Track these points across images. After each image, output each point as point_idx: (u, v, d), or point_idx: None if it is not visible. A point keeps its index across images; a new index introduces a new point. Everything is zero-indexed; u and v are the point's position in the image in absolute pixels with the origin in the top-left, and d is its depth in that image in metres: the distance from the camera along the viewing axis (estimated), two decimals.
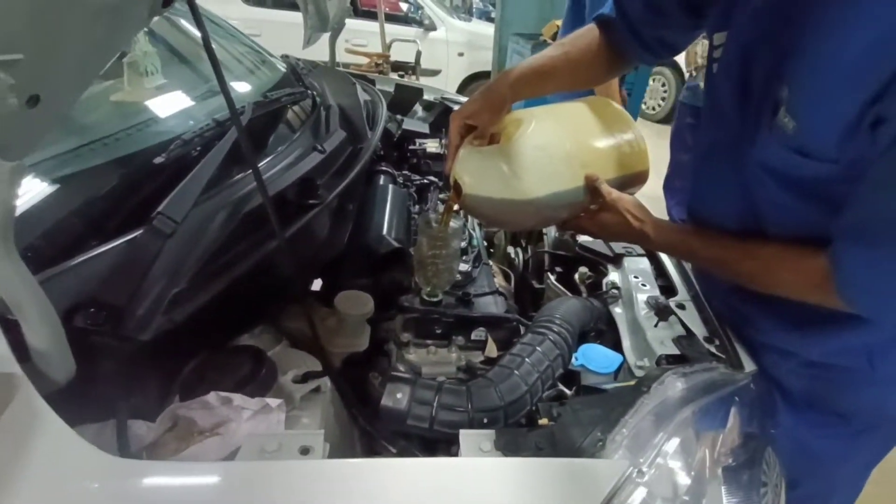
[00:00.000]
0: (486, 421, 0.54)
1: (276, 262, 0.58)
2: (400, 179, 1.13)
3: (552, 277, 1.08)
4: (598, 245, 1.03)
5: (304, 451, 0.38)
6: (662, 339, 0.73)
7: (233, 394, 0.45)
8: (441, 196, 1.22)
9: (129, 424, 0.43)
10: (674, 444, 0.46)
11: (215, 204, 0.58)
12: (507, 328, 0.82)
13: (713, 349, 0.70)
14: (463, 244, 0.98)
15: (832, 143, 0.46)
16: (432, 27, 4.35)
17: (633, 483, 0.40)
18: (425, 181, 1.20)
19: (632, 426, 0.47)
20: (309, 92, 1.09)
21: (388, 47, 2.99)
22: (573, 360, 0.67)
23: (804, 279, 0.54)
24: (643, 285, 0.87)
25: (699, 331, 0.74)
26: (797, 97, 0.48)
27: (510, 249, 1.44)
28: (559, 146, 0.70)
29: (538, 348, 0.64)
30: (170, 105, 0.85)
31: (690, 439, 0.49)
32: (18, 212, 0.34)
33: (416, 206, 1.13)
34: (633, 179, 0.77)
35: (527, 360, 0.62)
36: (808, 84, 0.47)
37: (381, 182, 1.03)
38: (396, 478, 0.37)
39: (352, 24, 4.29)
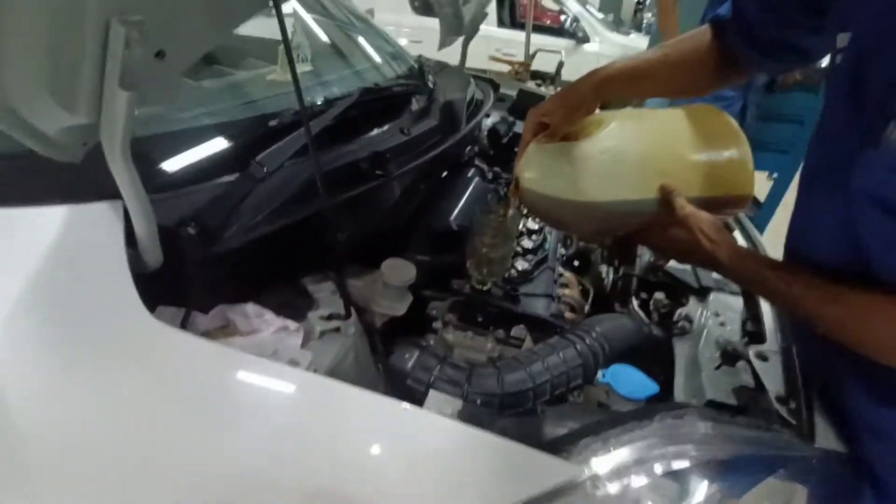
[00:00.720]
0: (479, 402, 0.55)
1: (332, 219, 0.66)
2: (489, 175, 1.16)
3: (635, 303, 1.00)
4: (686, 273, 0.93)
5: (293, 363, 0.45)
6: (721, 385, 0.63)
7: (266, 309, 0.54)
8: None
9: (193, 315, 0.55)
10: (660, 474, 0.41)
11: (301, 163, 0.69)
12: (549, 332, 0.79)
13: (783, 412, 0.59)
14: (531, 244, 0.97)
15: None
16: (586, 39, 4.25)
17: (582, 491, 0.37)
18: (511, 179, 1.21)
19: (615, 443, 0.43)
20: (425, 87, 1.19)
21: (531, 57, 3.02)
22: (599, 376, 0.63)
23: None
24: (722, 324, 0.76)
25: (774, 388, 0.63)
26: None
27: (602, 268, 1.37)
28: (632, 149, 0.65)
29: (560, 352, 0.61)
30: (305, 85, 1.03)
31: (689, 481, 0.43)
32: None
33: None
34: (725, 202, 0.68)
35: (542, 359, 0.60)
36: None
37: (470, 174, 1.08)
38: (352, 402, 0.42)
39: (505, 34, 4.50)
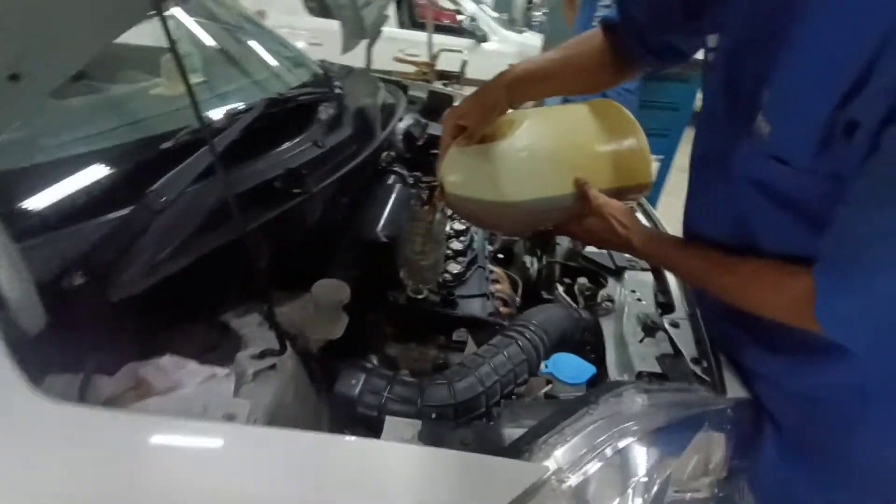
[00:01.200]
0: (434, 416, 0.54)
1: (250, 246, 0.61)
2: (410, 180, 1.15)
3: (560, 289, 1.06)
4: (602, 256, 1.00)
5: (229, 418, 0.41)
6: (646, 356, 0.69)
7: (186, 359, 0.48)
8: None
9: (94, 379, 0.47)
10: (610, 455, 0.44)
11: (206, 187, 0.62)
12: (489, 331, 0.81)
13: (698, 371, 0.66)
14: (461, 245, 0.99)
15: (806, 148, 0.43)
16: (484, 38, 4.41)
17: (549, 488, 0.39)
18: (436, 183, 1.22)
19: (570, 433, 0.45)
20: (333, 93, 1.15)
21: (435, 57, 3.06)
22: (542, 367, 0.66)
23: (785, 299, 0.50)
24: (639, 300, 0.83)
25: (688, 351, 0.70)
26: (773, 99, 0.45)
27: (526, 258, 1.43)
28: (546, 148, 0.69)
29: (503, 351, 0.63)
30: (199, 99, 0.94)
31: (635, 455, 0.46)
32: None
33: (426, 208, 1.16)
34: (630, 190, 0.75)
35: (489, 361, 0.61)
36: (782, 85, 0.44)
37: (390, 182, 1.06)
38: (304, 449, 0.39)
39: (407, 34, 4.51)
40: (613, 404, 0.51)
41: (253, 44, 1.26)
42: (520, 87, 0.71)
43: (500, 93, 0.69)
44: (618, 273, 0.94)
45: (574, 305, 0.97)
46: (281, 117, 0.86)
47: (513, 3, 6.33)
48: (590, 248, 1.03)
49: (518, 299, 1.09)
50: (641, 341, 0.72)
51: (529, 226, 0.87)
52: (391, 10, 4.11)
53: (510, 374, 0.61)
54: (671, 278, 0.90)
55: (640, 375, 0.66)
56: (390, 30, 4.37)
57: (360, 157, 0.85)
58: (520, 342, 0.65)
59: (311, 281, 0.71)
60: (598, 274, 0.96)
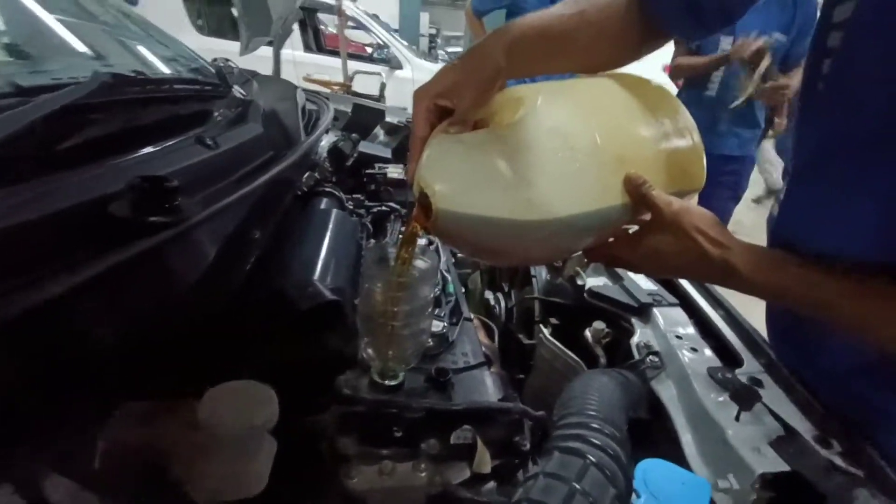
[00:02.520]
0: None
1: (75, 322, 0.28)
2: (350, 204, 0.85)
3: (546, 331, 0.82)
4: (614, 291, 0.78)
5: None
6: (755, 443, 0.46)
7: None
8: (402, 229, 0.95)
9: None
10: None
11: None
12: (505, 423, 0.52)
13: (837, 459, 0.44)
14: (435, 290, 0.70)
15: None
16: (398, 66, 4.27)
17: None
18: (384, 208, 0.93)
19: None
20: (229, 91, 0.81)
21: (351, 78, 2.80)
22: (634, 498, 0.39)
23: None
24: (692, 349, 0.61)
25: (800, 425, 0.48)
26: None
27: (489, 295, 1.18)
28: (584, 134, 0.44)
29: (579, 487, 0.35)
30: None
31: None
32: None
33: (371, 241, 0.85)
34: (686, 186, 0.53)
35: None
36: None
37: (323, 206, 0.74)
38: None
39: (315, 59, 4.20)
40: None
41: (109, 29, 0.89)
42: (525, 51, 0.47)
43: (498, 56, 0.45)
44: (642, 312, 0.72)
45: (568, 353, 0.74)
46: (143, 106, 0.52)
47: (418, 40, 6.43)
48: (595, 281, 0.81)
49: (497, 350, 0.83)
50: (738, 419, 0.48)
51: (551, 254, 0.61)
52: (296, 34, 3.79)
53: None
54: (711, 312, 0.70)
55: (766, 481, 0.42)
56: (295, 52, 4.04)
57: (276, 167, 0.53)
58: (592, 457, 0.38)
59: (197, 384, 0.37)
60: (616, 315, 0.74)
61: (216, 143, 0.49)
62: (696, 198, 0.57)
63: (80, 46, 0.73)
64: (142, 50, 0.83)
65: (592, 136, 0.44)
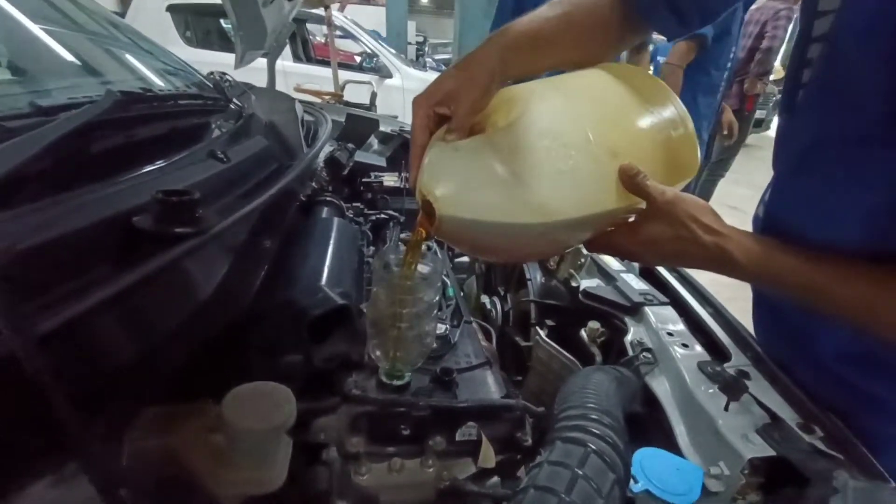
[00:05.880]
0: None
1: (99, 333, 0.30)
2: (350, 213, 0.87)
3: (542, 333, 0.84)
4: (607, 291, 0.81)
5: None
6: (744, 431, 0.49)
7: None
8: (402, 235, 0.97)
9: None
10: None
11: None
12: (507, 420, 0.55)
13: (819, 443, 0.47)
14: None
15: None
16: (388, 74, 4.31)
17: None
18: (383, 216, 0.95)
19: None
20: (227, 104, 0.83)
21: (341, 88, 2.83)
22: (632, 483, 0.41)
23: None
24: (684, 345, 0.64)
25: (785, 413, 0.51)
26: None
27: (484, 298, 1.20)
28: (576, 130, 0.46)
29: (581, 472, 0.37)
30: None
31: None
32: None
33: (371, 248, 0.88)
34: (680, 174, 0.55)
35: (564, 497, 0.35)
36: None
37: (324, 214, 0.77)
38: None
39: (304, 69, 4.23)
40: None
41: (108, 46, 0.90)
42: (518, 55, 0.49)
43: (493, 63, 0.47)
44: (634, 311, 0.75)
45: (564, 353, 0.76)
46: (148, 121, 0.54)
47: (406, 49, 6.49)
48: (588, 282, 0.84)
49: (495, 352, 0.85)
50: (727, 409, 0.51)
51: (550, 249, 0.63)
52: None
53: None
54: (700, 308, 0.73)
55: (755, 466, 0.45)
56: (285, 63, 4.06)
57: (285, 178, 0.55)
58: (593, 446, 0.40)
59: (211, 384, 0.39)
60: (609, 314, 0.77)
61: (227, 157, 0.51)
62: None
63: (81, 62, 0.74)
64: (141, 65, 0.85)
65: (584, 132, 0.46)
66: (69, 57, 0.75)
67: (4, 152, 0.34)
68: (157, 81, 0.83)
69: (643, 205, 0.47)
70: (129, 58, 0.85)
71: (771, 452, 0.46)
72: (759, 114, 4.61)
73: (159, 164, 0.50)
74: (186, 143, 0.59)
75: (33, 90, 0.60)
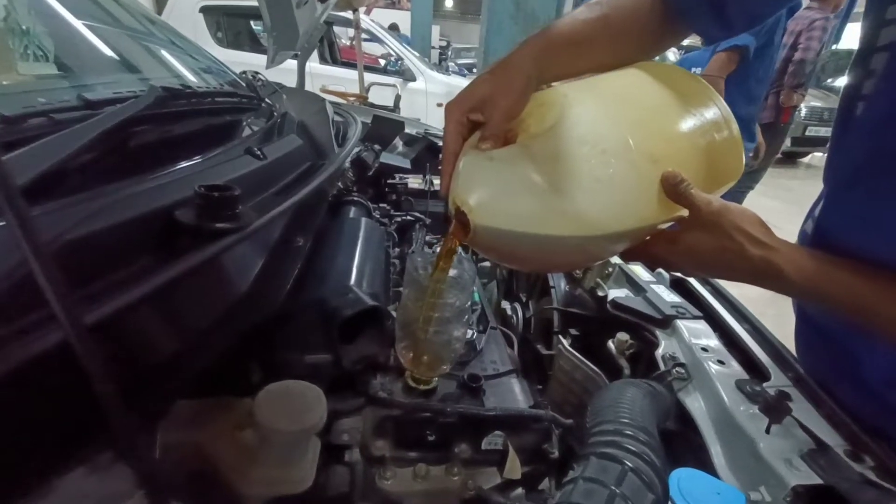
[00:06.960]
0: None
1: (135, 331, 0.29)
2: (376, 213, 0.87)
3: (565, 342, 0.82)
4: (637, 302, 0.79)
5: None
6: (786, 455, 0.47)
7: None
8: (428, 238, 0.97)
9: None
10: None
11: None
12: (535, 430, 0.53)
13: (869, 473, 0.45)
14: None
15: None
16: (412, 78, 4.34)
17: None
18: (409, 217, 0.95)
19: None
20: (260, 103, 0.84)
21: (366, 90, 2.86)
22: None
23: None
24: (720, 362, 0.62)
25: (831, 439, 0.49)
26: None
27: (505, 304, 1.19)
28: (615, 136, 0.45)
29: (619, 491, 0.36)
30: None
31: None
32: None
33: (396, 250, 0.87)
34: (724, 179, 0.53)
35: None
36: None
37: (352, 214, 0.77)
38: None
39: (330, 71, 4.28)
40: None
41: (145, 41, 0.92)
42: (554, 58, 0.48)
43: (528, 67, 0.45)
44: (665, 324, 0.72)
45: (588, 364, 0.74)
46: (187, 117, 0.55)
47: (429, 52, 6.53)
48: (616, 292, 0.82)
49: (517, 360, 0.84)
50: (768, 431, 0.49)
51: (594, 259, 0.61)
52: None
53: None
54: (736, 325, 0.71)
55: (798, 494, 0.43)
56: (311, 64, 4.13)
57: (320, 176, 0.55)
58: (629, 463, 0.39)
59: (239, 380, 0.39)
60: (639, 326, 0.74)
61: (264, 155, 0.51)
62: None
63: (122, 58, 0.76)
64: (179, 63, 0.86)
65: (624, 138, 0.43)
66: (111, 53, 0.77)
67: (55, 143, 0.34)
68: (194, 79, 0.85)
69: (684, 212, 0.45)
70: (167, 55, 0.87)
71: (817, 480, 0.44)
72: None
73: (196, 159, 0.50)
74: (222, 140, 0.59)
75: (79, 84, 0.62)
